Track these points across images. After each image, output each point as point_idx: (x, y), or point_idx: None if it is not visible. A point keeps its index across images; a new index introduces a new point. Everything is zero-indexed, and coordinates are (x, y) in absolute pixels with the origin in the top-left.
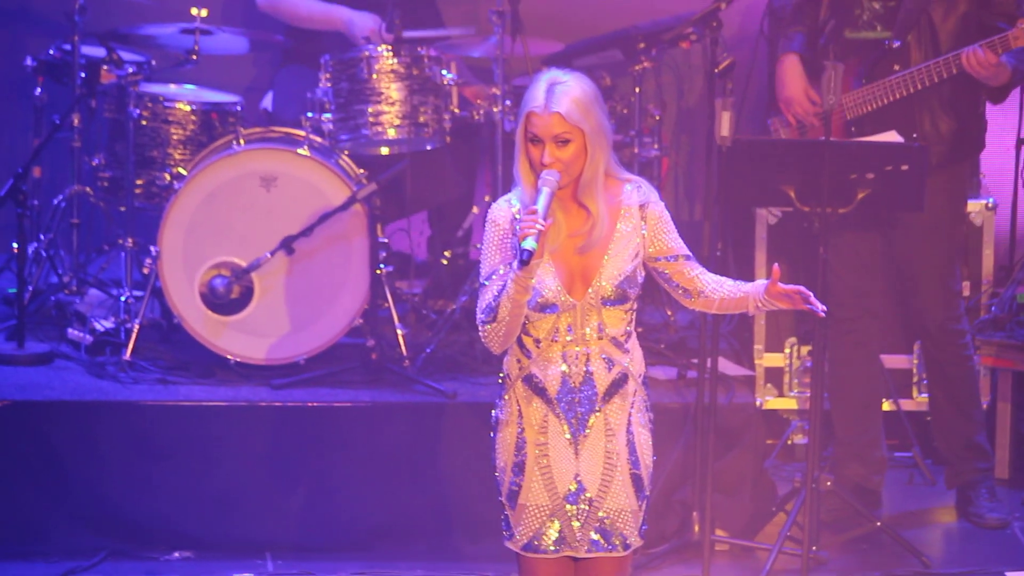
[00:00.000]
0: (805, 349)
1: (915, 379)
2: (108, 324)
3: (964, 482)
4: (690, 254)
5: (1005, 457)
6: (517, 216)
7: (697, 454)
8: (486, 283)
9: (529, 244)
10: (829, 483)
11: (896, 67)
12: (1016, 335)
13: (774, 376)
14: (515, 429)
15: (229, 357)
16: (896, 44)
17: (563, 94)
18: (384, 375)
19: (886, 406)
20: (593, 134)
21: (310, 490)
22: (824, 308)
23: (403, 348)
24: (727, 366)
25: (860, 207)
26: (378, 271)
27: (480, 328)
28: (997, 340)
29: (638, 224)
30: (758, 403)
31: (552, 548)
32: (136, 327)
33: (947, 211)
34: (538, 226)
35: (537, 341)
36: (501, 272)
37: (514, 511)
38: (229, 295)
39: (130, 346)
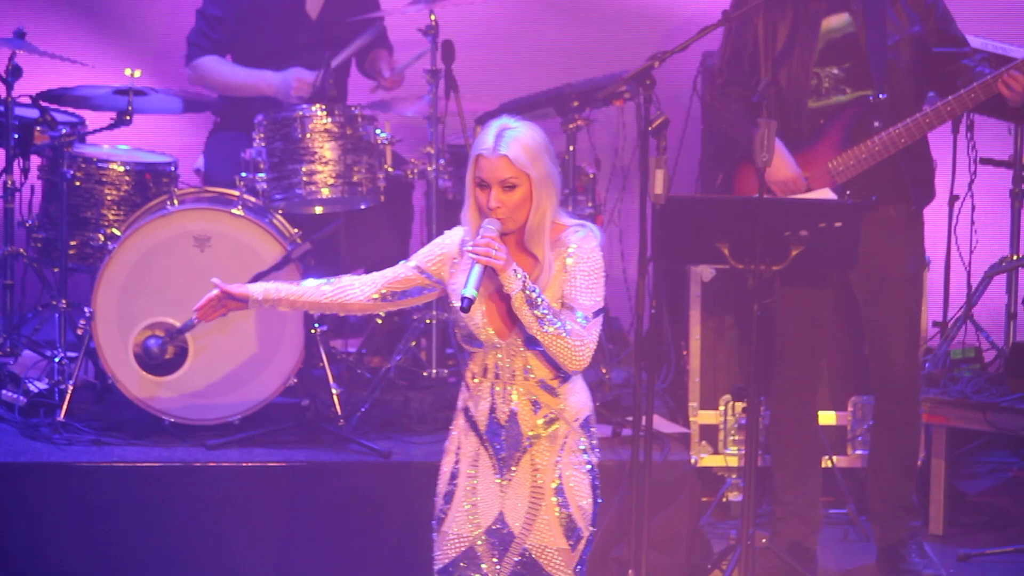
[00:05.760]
0: (740, 406)
1: (849, 435)
2: (42, 385)
3: (894, 540)
4: (582, 315)
5: (940, 513)
6: (468, 250)
7: (632, 511)
8: (405, 262)
9: (470, 292)
10: (764, 540)
11: (876, 123)
12: (950, 391)
13: (709, 433)
14: (452, 459)
15: (164, 418)
16: (883, 97)
17: (512, 139)
18: (319, 435)
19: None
20: (539, 181)
21: (245, 550)
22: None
23: (338, 407)
24: (662, 423)
25: (795, 264)
26: (313, 330)
27: None
28: (931, 396)
29: (562, 268)
30: (693, 460)
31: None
32: (70, 388)
33: (919, 262)
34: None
35: (474, 375)
36: (411, 263)
37: (437, 537)
38: (163, 356)
39: (64, 407)
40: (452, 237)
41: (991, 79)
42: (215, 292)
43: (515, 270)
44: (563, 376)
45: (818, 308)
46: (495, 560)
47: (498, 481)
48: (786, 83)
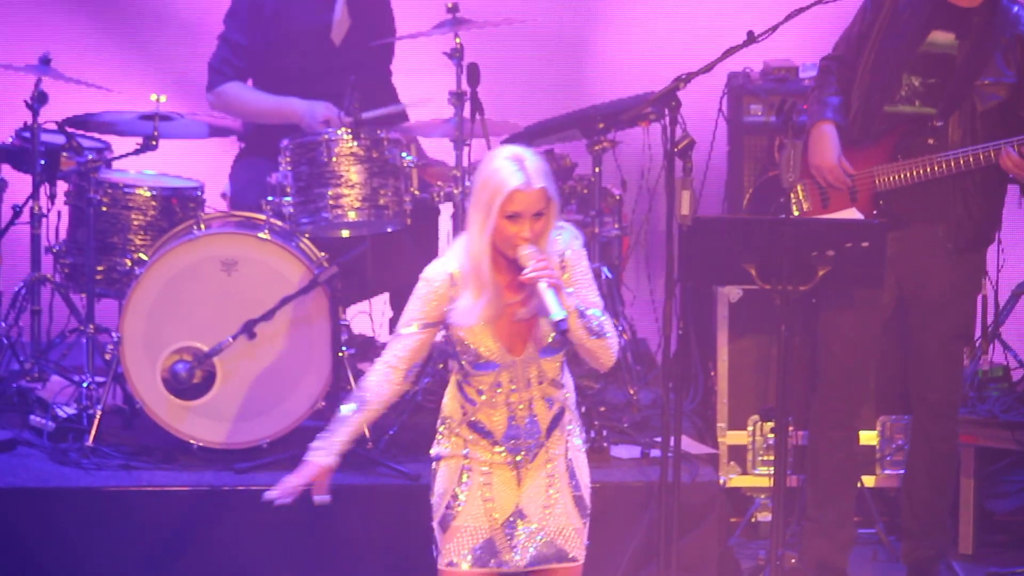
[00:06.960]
0: (768, 426)
1: (878, 455)
2: (70, 410)
3: (923, 558)
4: (597, 311)
5: (969, 532)
6: (456, 281)
7: (661, 533)
8: (402, 332)
9: (561, 314)
10: (793, 560)
11: (931, 141)
12: (978, 410)
13: (737, 454)
14: (460, 460)
15: (192, 442)
16: (940, 123)
17: (536, 170)
18: (347, 458)
19: None
20: (556, 205)
21: (273, 573)
22: None
23: (366, 430)
24: (690, 444)
25: (822, 284)
26: (340, 353)
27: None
28: (960, 416)
29: (559, 274)
30: (722, 481)
31: (490, 561)
32: (98, 413)
33: (967, 290)
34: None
35: (480, 391)
36: (415, 328)
37: (445, 533)
38: (191, 380)
39: (92, 432)
40: (433, 275)
41: (1003, 149)
42: (304, 483)
43: (565, 289)
44: (562, 367)
45: (866, 329)
46: (515, 550)
47: (515, 476)
48: (878, 81)
